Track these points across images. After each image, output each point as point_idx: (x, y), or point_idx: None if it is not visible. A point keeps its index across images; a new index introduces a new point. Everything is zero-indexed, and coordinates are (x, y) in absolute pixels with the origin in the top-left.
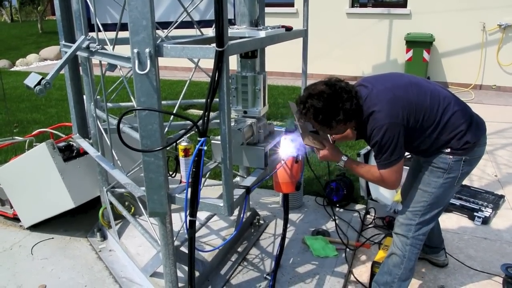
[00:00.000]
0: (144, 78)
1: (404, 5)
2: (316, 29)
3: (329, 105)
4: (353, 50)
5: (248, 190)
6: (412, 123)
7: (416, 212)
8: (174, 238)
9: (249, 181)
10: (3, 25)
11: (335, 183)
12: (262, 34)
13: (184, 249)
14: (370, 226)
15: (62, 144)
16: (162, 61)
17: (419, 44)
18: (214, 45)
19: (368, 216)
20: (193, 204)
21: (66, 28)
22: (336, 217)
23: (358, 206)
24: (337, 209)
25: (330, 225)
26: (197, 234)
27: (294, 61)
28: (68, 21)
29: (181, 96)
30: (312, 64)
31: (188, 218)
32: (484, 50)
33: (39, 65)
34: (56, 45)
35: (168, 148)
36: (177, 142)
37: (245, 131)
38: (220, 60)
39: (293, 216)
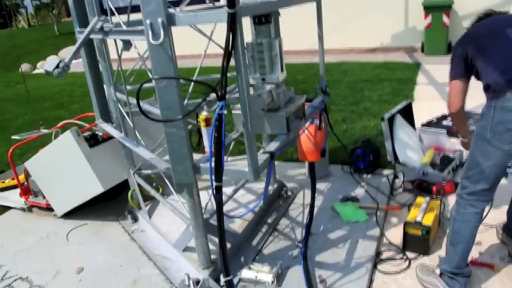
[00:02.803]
0: (159, 48)
1: None
2: (331, 2)
3: None
4: (370, 21)
5: (273, 155)
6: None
7: (465, 167)
8: (203, 211)
9: (273, 146)
10: (21, 31)
11: (361, 150)
12: None
13: (213, 222)
14: (399, 189)
15: (86, 133)
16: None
17: (438, 8)
18: (226, 8)
19: (396, 180)
20: (218, 169)
21: (80, 15)
22: (364, 183)
23: (386, 171)
24: (365, 175)
25: (358, 192)
26: (225, 208)
27: (309, 38)
28: (81, 7)
29: (198, 68)
30: (328, 38)
31: (214, 183)
32: (508, 8)
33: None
34: (73, 45)
35: (190, 123)
36: (198, 112)
37: (265, 97)
38: (233, 22)
39: (320, 186)
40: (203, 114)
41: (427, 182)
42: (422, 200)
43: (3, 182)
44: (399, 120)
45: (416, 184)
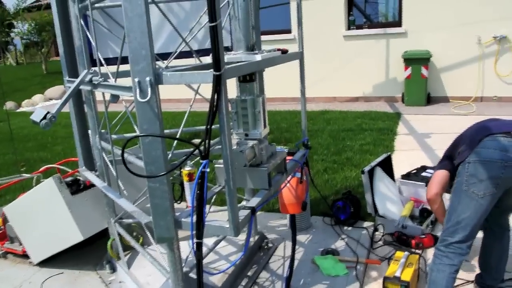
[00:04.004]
0: (146, 106)
1: (399, 24)
2: (315, 53)
3: None
4: (353, 71)
5: (254, 210)
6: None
7: (444, 222)
8: (183, 264)
9: (254, 202)
10: (9, 68)
11: (342, 202)
12: (258, 57)
13: (193, 275)
14: (379, 242)
15: (69, 178)
16: (165, 94)
17: (416, 61)
18: (212, 70)
19: (377, 232)
20: (199, 226)
21: (70, 64)
22: (345, 236)
23: (366, 224)
24: (345, 227)
25: (339, 244)
26: (206, 260)
27: (294, 86)
28: (71, 57)
29: (183, 123)
30: (313, 88)
31: (195, 240)
32: (482, 63)
33: (45, 105)
34: (60, 85)
35: (173, 175)
36: (181, 167)
37: (247, 153)
38: (218, 84)
39: (301, 238)
40: (186, 169)
41: (406, 235)
42: (401, 255)
43: None
44: (379, 173)
45: (396, 237)
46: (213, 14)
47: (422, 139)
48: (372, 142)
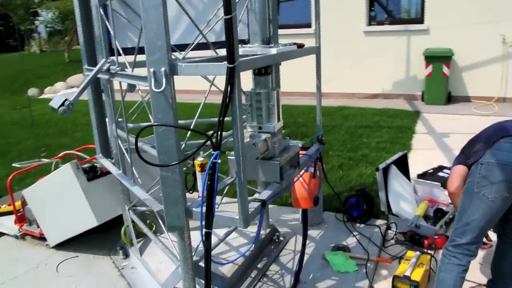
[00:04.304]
0: (160, 96)
1: (421, 21)
2: (334, 48)
3: None
4: (371, 68)
5: (264, 203)
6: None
7: (454, 222)
8: (193, 254)
9: (265, 194)
10: (33, 55)
11: (355, 198)
12: (273, 51)
13: (203, 264)
14: (391, 241)
15: (86, 165)
16: (185, 84)
17: (438, 59)
18: (225, 62)
19: (389, 231)
20: (209, 216)
21: (89, 53)
22: (357, 233)
23: (379, 221)
24: (358, 224)
25: (350, 241)
26: (217, 250)
27: (313, 80)
28: (91, 46)
29: (197, 114)
30: (331, 83)
31: (204, 230)
32: (506, 63)
33: (66, 92)
34: (81, 73)
35: (187, 166)
36: (194, 157)
37: (260, 146)
38: (232, 76)
39: (313, 233)
40: (199, 159)
41: (419, 235)
42: (412, 254)
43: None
44: (394, 171)
45: (408, 236)
46: (228, 7)
47: (441, 139)
48: (389, 140)
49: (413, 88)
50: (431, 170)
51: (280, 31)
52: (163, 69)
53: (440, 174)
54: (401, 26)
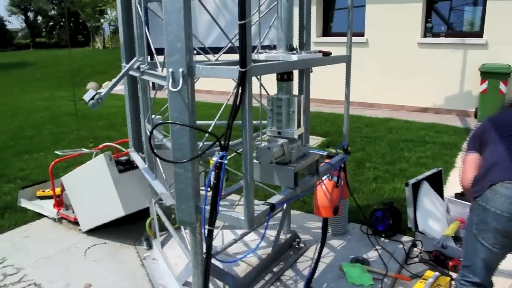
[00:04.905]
0: (177, 95)
1: (480, 35)
2: (386, 59)
3: None
4: (424, 81)
5: (273, 206)
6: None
7: (463, 254)
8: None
9: (276, 198)
10: (96, 51)
11: (381, 212)
12: (294, 57)
13: (215, 261)
14: (415, 259)
15: (124, 157)
16: (218, 85)
17: (495, 75)
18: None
19: (415, 249)
20: (212, 214)
21: (128, 52)
22: (379, 247)
23: (405, 238)
24: (382, 239)
25: (371, 255)
26: (233, 250)
27: (358, 90)
28: (130, 45)
29: (218, 115)
30: (380, 94)
31: (207, 227)
32: None
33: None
34: None
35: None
36: (208, 157)
37: (275, 151)
38: (243, 80)
39: (335, 242)
40: (213, 158)
41: (445, 256)
42: (431, 274)
43: (43, 191)
44: (425, 187)
45: (433, 256)
46: (243, 13)
47: None
48: (432, 156)
49: (466, 104)
50: None
51: (335, 39)
52: (181, 70)
53: None
54: (458, 39)
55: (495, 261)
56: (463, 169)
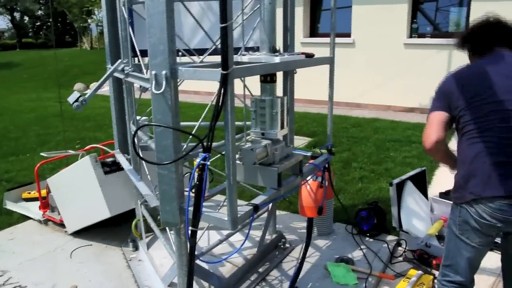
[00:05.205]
0: (160, 97)
1: None
2: (373, 59)
3: None
4: (410, 81)
5: (256, 207)
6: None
7: (444, 254)
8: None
9: (260, 199)
10: (83, 52)
11: (366, 212)
12: (276, 60)
13: (200, 262)
14: (399, 258)
15: (110, 159)
16: (197, 86)
17: None
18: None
19: (399, 248)
20: (195, 215)
21: (113, 53)
22: (364, 246)
23: (390, 237)
24: (367, 238)
25: (356, 254)
26: (218, 250)
27: (346, 90)
28: (115, 47)
29: (202, 117)
30: (367, 94)
31: (190, 228)
32: None
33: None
34: None
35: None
36: (193, 158)
37: (258, 152)
38: (225, 82)
39: (320, 242)
40: (197, 160)
41: (429, 254)
42: (414, 273)
43: (29, 193)
44: (409, 187)
45: (417, 255)
46: (224, 16)
47: None
48: (418, 155)
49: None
50: None
51: (322, 40)
52: (164, 72)
53: None
54: (443, 39)
55: (479, 259)
56: (426, 128)
